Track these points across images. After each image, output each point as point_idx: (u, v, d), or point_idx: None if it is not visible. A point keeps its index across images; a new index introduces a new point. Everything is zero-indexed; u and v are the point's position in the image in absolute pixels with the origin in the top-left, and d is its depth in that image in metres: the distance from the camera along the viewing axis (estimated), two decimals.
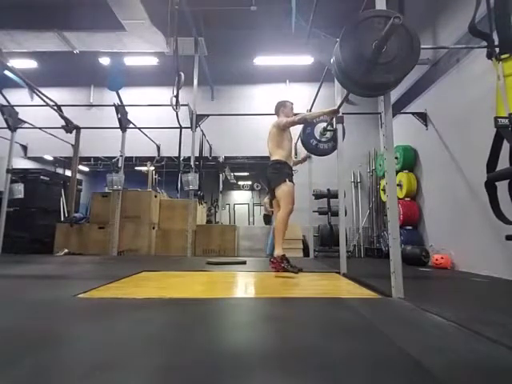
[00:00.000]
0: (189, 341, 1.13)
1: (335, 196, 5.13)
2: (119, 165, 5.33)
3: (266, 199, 8.63)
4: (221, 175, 9.71)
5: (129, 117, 5.48)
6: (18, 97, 6.34)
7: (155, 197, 5.65)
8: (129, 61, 6.24)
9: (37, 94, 4.87)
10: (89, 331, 1.24)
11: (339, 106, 3.25)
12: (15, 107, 5.16)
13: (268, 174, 3.19)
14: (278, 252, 2.87)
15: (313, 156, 4.45)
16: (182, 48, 5.00)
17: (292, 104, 3.38)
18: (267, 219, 6.34)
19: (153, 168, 8.78)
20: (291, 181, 3.07)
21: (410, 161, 4.84)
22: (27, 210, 5.70)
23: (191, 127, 5.16)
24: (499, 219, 2.38)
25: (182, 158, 6.24)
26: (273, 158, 3.17)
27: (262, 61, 6.36)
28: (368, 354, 1.02)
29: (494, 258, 3.15)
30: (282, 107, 3.33)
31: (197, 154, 5.62)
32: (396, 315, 1.52)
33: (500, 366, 0.95)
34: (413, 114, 4.66)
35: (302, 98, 6.56)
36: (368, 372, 0.90)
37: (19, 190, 5.14)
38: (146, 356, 0.98)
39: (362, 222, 6.21)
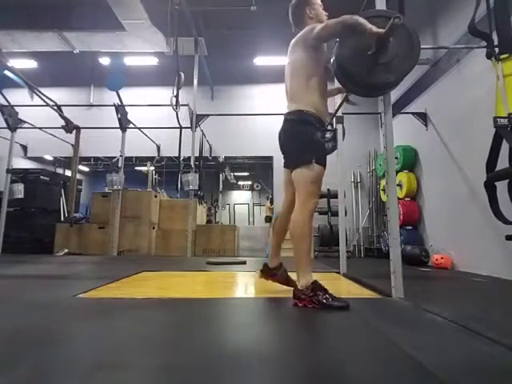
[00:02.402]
0: (189, 341, 1.13)
1: (335, 196, 5.13)
2: (119, 165, 5.33)
3: (268, 203, 8.63)
4: (221, 175, 9.72)
5: (129, 117, 5.48)
6: (18, 97, 6.33)
7: (155, 197, 5.65)
8: (129, 61, 6.24)
9: (37, 94, 4.87)
10: (89, 331, 1.24)
11: (339, 106, 3.25)
12: (15, 107, 5.16)
13: (283, 137, 1.86)
14: (303, 282, 1.65)
15: None
16: (182, 48, 5.01)
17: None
18: (268, 219, 6.33)
19: (153, 168, 8.78)
20: (321, 162, 1.72)
21: (409, 161, 4.83)
22: (27, 210, 5.70)
23: (191, 127, 5.16)
24: (498, 219, 2.38)
25: (181, 158, 6.24)
26: (293, 108, 1.79)
27: (261, 61, 6.36)
28: (368, 354, 1.03)
29: (493, 257, 3.15)
30: (307, 6, 1.92)
31: (197, 154, 5.62)
32: (396, 315, 1.52)
33: (500, 366, 0.95)
34: (413, 114, 4.66)
35: None
36: (368, 372, 0.90)
37: (19, 190, 5.14)
38: (146, 356, 0.98)
39: (362, 222, 6.20)
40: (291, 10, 2.04)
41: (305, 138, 1.73)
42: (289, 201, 1.94)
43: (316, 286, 1.63)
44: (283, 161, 1.97)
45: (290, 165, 1.85)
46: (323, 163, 1.74)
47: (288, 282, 1.99)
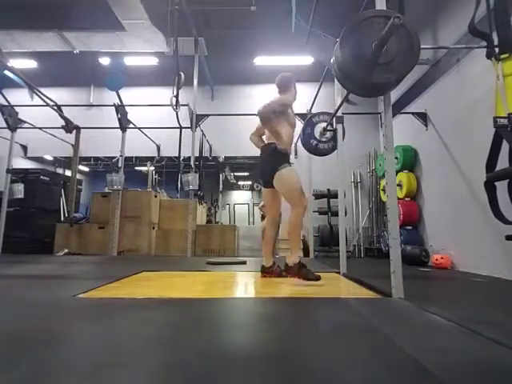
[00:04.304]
0: (189, 341, 1.13)
1: (335, 196, 5.13)
2: (119, 165, 5.33)
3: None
4: (221, 175, 9.72)
5: (129, 117, 5.47)
6: (18, 97, 6.33)
7: (155, 197, 5.65)
8: (129, 61, 6.24)
9: (37, 94, 4.86)
10: (89, 331, 1.24)
11: (339, 106, 3.25)
12: (15, 107, 5.16)
13: (261, 162, 2.59)
14: (293, 260, 2.38)
15: (313, 156, 4.46)
16: (182, 48, 5.00)
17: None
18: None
19: (153, 168, 8.78)
20: (290, 164, 2.48)
21: (409, 161, 4.83)
22: (27, 210, 5.70)
23: (191, 127, 5.15)
24: (498, 219, 2.38)
25: (182, 158, 6.24)
26: (268, 141, 2.58)
27: (262, 61, 6.36)
28: (368, 354, 1.03)
29: (493, 257, 3.15)
30: (292, 85, 2.66)
31: (197, 154, 5.62)
32: (396, 315, 1.52)
33: (500, 367, 0.95)
34: (413, 114, 4.66)
35: (302, 98, 6.56)
36: (368, 372, 0.90)
37: (19, 190, 5.14)
38: (146, 356, 0.98)
39: (362, 222, 6.20)
40: (282, 78, 2.67)
41: (282, 154, 2.47)
42: (273, 217, 2.70)
43: (300, 265, 2.36)
44: (263, 184, 2.61)
45: (271, 174, 2.43)
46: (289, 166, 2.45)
47: (280, 275, 2.58)
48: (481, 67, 3.22)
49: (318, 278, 2.29)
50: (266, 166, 2.51)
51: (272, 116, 2.39)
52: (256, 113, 2.39)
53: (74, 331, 1.24)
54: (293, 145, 3.06)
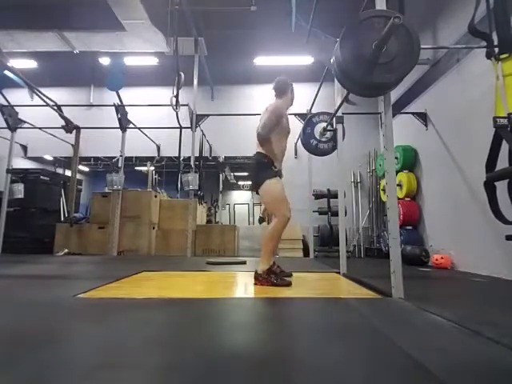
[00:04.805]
0: (188, 341, 1.13)
1: (335, 196, 5.13)
2: (119, 165, 5.33)
3: None
4: (221, 175, 9.71)
5: (129, 117, 5.47)
6: (18, 97, 6.33)
7: (155, 197, 5.65)
8: (129, 61, 6.24)
9: (37, 94, 4.86)
10: (89, 331, 1.24)
11: (339, 106, 3.25)
12: (15, 107, 5.16)
13: (251, 168, 2.56)
14: (262, 267, 2.31)
15: (313, 156, 4.46)
16: (182, 48, 5.01)
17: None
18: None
19: (153, 168, 8.78)
20: (274, 178, 2.39)
21: (409, 161, 4.83)
22: (27, 210, 5.70)
23: (191, 127, 5.16)
24: (498, 219, 2.38)
25: (182, 158, 6.24)
26: (257, 150, 2.50)
27: (262, 61, 6.35)
28: (368, 354, 1.03)
29: (493, 257, 3.15)
30: (289, 90, 2.62)
31: (197, 154, 5.62)
32: (396, 315, 1.52)
33: (500, 367, 0.95)
34: (413, 114, 4.66)
35: (302, 98, 6.57)
36: (368, 372, 0.90)
37: (19, 190, 5.14)
38: (146, 356, 0.98)
39: (362, 222, 6.20)
40: (278, 82, 2.63)
41: (271, 169, 2.42)
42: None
43: (269, 272, 2.30)
44: (253, 190, 2.59)
45: (258, 184, 2.42)
46: (275, 177, 2.40)
47: (273, 283, 2.33)
48: (481, 67, 3.22)
49: (287, 284, 2.25)
50: (254, 175, 2.49)
51: (270, 135, 2.40)
52: (256, 133, 2.40)
53: (74, 331, 1.24)
54: (293, 146, 3.01)
